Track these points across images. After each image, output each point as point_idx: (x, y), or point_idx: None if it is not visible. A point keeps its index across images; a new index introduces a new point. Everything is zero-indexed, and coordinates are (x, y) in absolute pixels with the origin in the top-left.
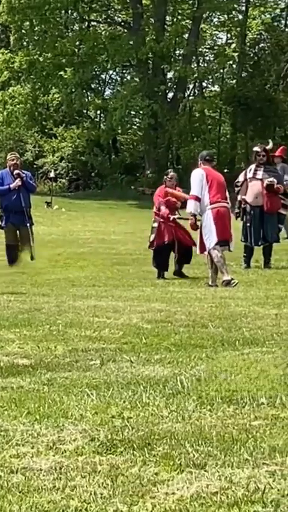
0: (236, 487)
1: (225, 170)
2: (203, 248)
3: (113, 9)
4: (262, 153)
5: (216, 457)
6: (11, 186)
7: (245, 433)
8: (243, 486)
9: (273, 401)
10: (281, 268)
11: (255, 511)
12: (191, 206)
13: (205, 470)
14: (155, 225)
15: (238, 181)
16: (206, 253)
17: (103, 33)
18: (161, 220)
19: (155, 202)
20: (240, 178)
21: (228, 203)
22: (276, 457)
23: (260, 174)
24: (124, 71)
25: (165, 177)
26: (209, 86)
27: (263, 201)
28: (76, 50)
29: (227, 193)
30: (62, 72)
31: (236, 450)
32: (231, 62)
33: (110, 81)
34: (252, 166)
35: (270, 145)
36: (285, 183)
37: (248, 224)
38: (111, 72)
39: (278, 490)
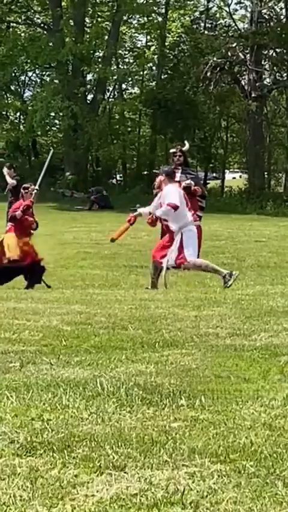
0: (156, 488)
1: (145, 172)
2: (182, 258)
3: (32, 11)
4: (178, 153)
5: (135, 458)
6: None
7: (164, 434)
8: (162, 488)
9: (192, 403)
10: (201, 270)
11: None
12: (163, 211)
13: (125, 472)
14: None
15: (155, 184)
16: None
17: (22, 34)
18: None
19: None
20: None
21: None
22: (196, 459)
23: (177, 176)
24: (44, 73)
25: (23, 191)
26: (129, 88)
27: None
28: None
29: None
30: None
31: (155, 452)
32: (151, 64)
33: (29, 82)
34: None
35: (186, 147)
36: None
37: None
38: (30, 73)
39: (198, 491)
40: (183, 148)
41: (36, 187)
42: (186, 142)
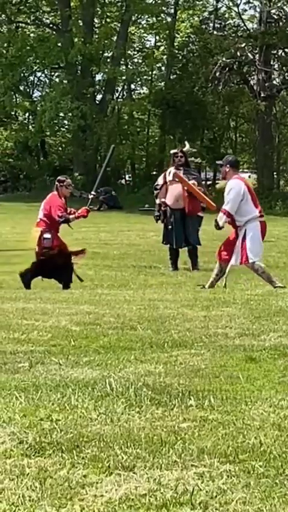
0: (165, 489)
1: (154, 172)
2: (245, 258)
3: (41, 11)
4: (180, 154)
5: (144, 459)
6: None
7: (173, 435)
8: (171, 488)
9: (201, 403)
10: (210, 270)
11: None
12: (223, 220)
13: (134, 473)
14: (49, 235)
15: (157, 184)
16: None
17: (31, 35)
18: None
19: (54, 211)
20: (160, 181)
21: None
22: (205, 459)
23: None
24: (52, 73)
25: (58, 183)
26: (138, 88)
27: (184, 204)
28: (4, 51)
29: None
30: None
31: (164, 452)
32: (159, 65)
33: (38, 83)
34: (172, 169)
35: (187, 147)
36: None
37: (170, 227)
38: (39, 74)
39: (207, 491)
40: (184, 149)
41: (93, 192)
42: (186, 143)
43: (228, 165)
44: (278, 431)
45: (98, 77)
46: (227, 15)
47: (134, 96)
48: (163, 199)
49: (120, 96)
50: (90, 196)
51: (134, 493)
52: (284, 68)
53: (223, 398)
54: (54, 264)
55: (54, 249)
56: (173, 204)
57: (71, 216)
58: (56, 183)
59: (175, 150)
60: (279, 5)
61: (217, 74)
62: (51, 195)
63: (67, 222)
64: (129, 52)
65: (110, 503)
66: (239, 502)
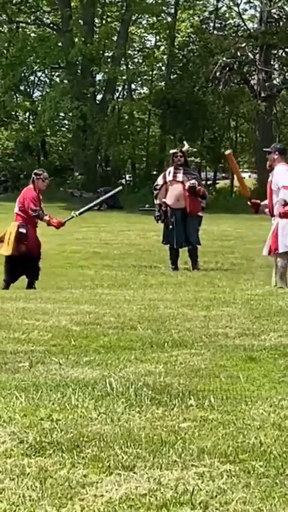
0: (165, 488)
1: (154, 172)
2: (275, 248)
3: (42, 11)
4: (179, 154)
5: (145, 458)
6: None
7: (173, 434)
8: (171, 488)
9: (201, 403)
10: (210, 270)
11: None
12: (284, 194)
13: (134, 472)
14: (24, 230)
15: (157, 185)
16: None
17: (32, 34)
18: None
19: (28, 204)
20: (159, 181)
21: None
22: (205, 459)
23: (180, 176)
24: (53, 73)
25: (35, 176)
26: (138, 88)
27: (186, 204)
28: (5, 51)
29: None
30: None
31: (164, 452)
32: (160, 64)
33: (38, 82)
34: (171, 169)
35: (186, 147)
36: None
37: (171, 227)
38: (39, 73)
39: (207, 491)
40: (183, 149)
41: (77, 213)
42: (185, 142)
43: (277, 152)
44: (278, 431)
45: (99, 76)
46: (227, 15)
47: (134, 96)
48: (163, 200)
49: (120, 96)
50: (73, 214)
51: (134, 492)
52: (284, 67)
53: (223, 398)
54: (24, 261)
55: (30, 247)
56: (173, 204)
57: (45, 217)
58: (33, 175)
59: (174, 150)
60: (279, 4)
61: (217, 73)
62: (26, 188)
63: (39, 219)
64: (129, 52)
65: (110, 503)
66: (239, 502)
